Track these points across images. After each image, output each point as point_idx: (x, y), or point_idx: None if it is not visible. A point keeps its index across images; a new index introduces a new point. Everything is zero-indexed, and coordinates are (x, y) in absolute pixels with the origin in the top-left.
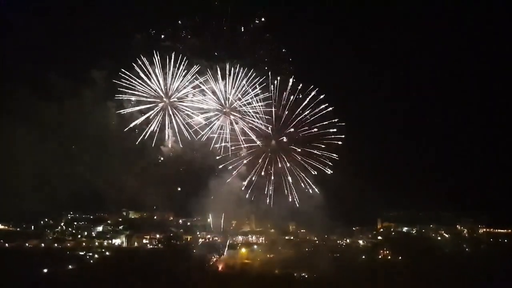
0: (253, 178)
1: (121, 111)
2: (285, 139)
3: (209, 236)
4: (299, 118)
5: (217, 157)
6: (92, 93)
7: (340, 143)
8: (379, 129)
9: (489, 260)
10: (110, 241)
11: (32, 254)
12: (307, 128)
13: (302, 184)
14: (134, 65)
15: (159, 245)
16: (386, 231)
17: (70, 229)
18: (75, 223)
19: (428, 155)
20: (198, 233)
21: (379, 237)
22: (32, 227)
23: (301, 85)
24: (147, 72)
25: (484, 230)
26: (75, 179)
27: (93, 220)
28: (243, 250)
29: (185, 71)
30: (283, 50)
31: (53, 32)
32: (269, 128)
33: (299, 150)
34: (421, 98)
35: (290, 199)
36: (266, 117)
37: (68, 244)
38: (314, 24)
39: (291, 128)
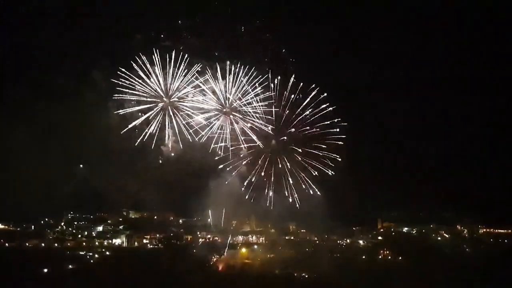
0: (253, 179)
1: (121, 111)
2: (285, 139)
3: (209, 236)
4: (299, 118)
5: (217, 157)
6: (93, 93)
7: (341, 143)
8: (379, 129)
9: (489, 260)
10: (110, 241)
11: (32, 254)
12: (308, 128)
13: (302, 184)
14: (134, 65)
15: (160, 245)
16: (386, 231)
17: (70, 229)
18: (75, 223)
19: (428, 155)
20: (198, 233)
21: (379, 237)
22: (32, 226)
23: (301, 84)
24: (147, 72)
25: (485, 230)
26: (75, 179)
27: (93, 220)
28: (244, 250)
29: (185, 71)
30: (283, 50)
31: (53, 32)
32: (269, 128)
33: (300, 150)
34: (421, 98)
35: (290, 200)
36: (267, 117)
37: (68, 244)
38: (314, 23)
39: (291, 128)
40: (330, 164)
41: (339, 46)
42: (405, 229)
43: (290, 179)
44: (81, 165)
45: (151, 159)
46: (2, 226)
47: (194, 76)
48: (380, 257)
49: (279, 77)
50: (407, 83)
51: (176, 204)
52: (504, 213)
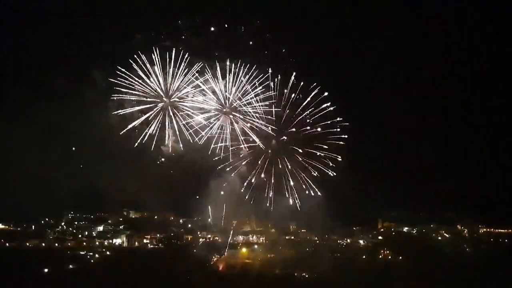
0: (253, 180)
1: (121, 111)
2: (285, 139)
3: (209, 236)
4: (300, 118)
5: (218, 157)
6: (93, 92)
7: (342, 143)
8: (379, 128)
9: (489, 260)
10: (110, 241)
11: (33, 254)
12: (308, 128)
13: (303, 185)
14: (134, 65)
15: (160, 244)
16: (386, 231)
17: (70, 228)
18: (76, 222)
19: (429, 155)
20: (198, 233)
21: (380, 237)
22: (33, 226)
23: (302, 83)
24: (147, 72)
25: (485, 230)
26: (76, 179)
27: (94, 220)
28: (244, 249)
29: (185, 70)
30: (283, 50)
31: (53, 32)
32: (269, 128)
33: (300, 150)
34: (421, 98)
35: (291, 201)
36: (267, 117)
37: (69, 244)
38: (314, 23)
39: (292, 128)
40: (331, 164)
41: (339, 46)
42: (405, 229)
43: (290, 179)
44: (81, 165)
45: (151, 159)
46: (3, 226)
47: (194, 76)
48: (380, 257)
49: (279, 76)
50: (407, 83)
51: (177, 204)
52: (504, 213)
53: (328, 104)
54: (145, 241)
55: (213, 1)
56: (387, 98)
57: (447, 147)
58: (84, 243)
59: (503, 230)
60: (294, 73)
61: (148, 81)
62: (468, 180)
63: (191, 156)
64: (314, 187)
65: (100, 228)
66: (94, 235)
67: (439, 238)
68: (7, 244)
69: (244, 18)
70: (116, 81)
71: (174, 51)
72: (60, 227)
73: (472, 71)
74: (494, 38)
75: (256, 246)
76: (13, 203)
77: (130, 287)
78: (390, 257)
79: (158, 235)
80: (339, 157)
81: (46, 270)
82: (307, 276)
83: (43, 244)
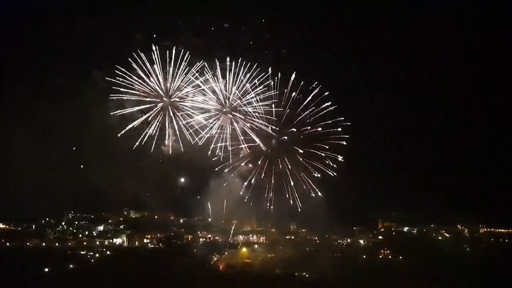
0: (253, 180)
1: (122, 111)
2: (285, 139)
3: (209, 235)
4: (300, 118)
5: (218, 157)
6: (93, 92)
7: (344, 143)
8: (379, 128)
9: (489, 260)
10: (111, 241)
11: (33, 254)
12: (308, 127)
13: (303, 185)
14: (134, 64)
15: (160, 244)
16: (386, 231)
17: (71, 228)
18: (76, 222)
19: (429, 155)
20: (199, 232)
21: (380, 237)
22: (33, 226)
23: (302, 82)
24: (147, 72)
25: (485, 230)
26: (76, 179)
27: (94, 220)
28: (244, 249)
29: (186, 70)
30: (283, 50)
31: (52, 31)
32: (269, 128)
33: (301, 150)
34: (421, 98)
35: (291, 203)
36: (267, 116)
37: (69, 244)
38: (315, 23)
39: (292, 127)
40: (332, 164)
41: (339, 45)
42: (405, 229)
43: (291, 179)
44: (81, 165)
45: (151, 158)
46: (3, 226)
47: (194, 76)
48: (380, 256)
49: (279, 75)
50: (407, 83)
51: (177, 203)
52: (504, 213)
53: (329, 103)
54: (145, 240)
55: (213, 1)
56: (387, 98)
57: (447, 147)
58: (85, 243)
59: (503, 230)
60: (294, 72)
61: (148, 80)
62: (468, 180)
63: (191, 156)
64: (314, 187)
65: (101, 228)
66: (95, 234)
67: (440, 238)
68: (8, 243)
69: (244, 18)
70: (116, 81)
71: (174, 51)
72: (60, 226)
73: (472, 71)
74: (494, 38)
75: (256, 246)
76: (13, 203)
77: (130, 286)
78: (390, 257)
79: (158, 235)
80: (339, 157)
81: (46, 269)
82: (307, 275)
83: (44, 244)
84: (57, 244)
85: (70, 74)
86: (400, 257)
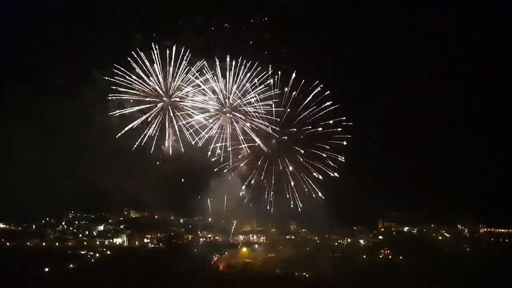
0: (253, 181)
1: (122, 110)
2: (286, 139)
3: (210, 235)
4: (300, 117)
5: (218, 157)
6: (94, 92)
7: (345, 143)
8: (379, 128)
9: (490, 260)
10: (111, 240)
11: (33, 253)
12: (310, 127)
13: (304, 185)
14: (134, 64)
15: (160, 244)
16: (387, 231)
17: (71, 228)
18: (76, 222)
19: (429, 155)
20: (199, 232)
21: (380, 237)
22: (33, 226)
23: (303, 81)
24: (147, 71)
25: (485, 229)
26: (76, 179)
27: (94, 219)
28: (244, 249)
29: (186, 70)
30: (283, 50)
31: (52, 31)
32: (269, 128)
33: (302, 150)
34: (421, 98)
35: (292, 204)
36: (268, 116)
37: (69, 243)
38: (315, 23)
39: (293, 127)
40: (332, 164)
41: (339, 45)
42: (405, 229)
43: (291, 179)
44: (81, 165)
45: (151, 158)
46: (3, 226)
47: (194, 76)
48: (380, 256)
49: (279, 74)
50: (407, 83)
51: (177, 203)
52: (504, 213)
53: (330, 103)
54: (145, 240)
55: (213, 1)
56: (387, 98)
57: (447, 147)
58: (85, 243)
59: (503, 230)
60: (295, 71)
61: (148, 80)
62: (468, 180)
63: (191, 156)
64: (314, 187)
65: (101, 228)
66: (95, 234)
67: (440, 238)
68: (8, 243)
69: (244, 18)
70: (116, 81)
71: (174, 51)
72: (60, 226)
73: (472, 71)
74: (494, 38)
75: (256, 246)
76: (13, 202)
77: (130, 286)
78: (390, 257)
79: (158, 235)
80: (340, 157)
81: (46, 269)
82: (307, 275)
83: (44, 244)
84: (57, 244)
85: (70, 74)
86: (400, 257)
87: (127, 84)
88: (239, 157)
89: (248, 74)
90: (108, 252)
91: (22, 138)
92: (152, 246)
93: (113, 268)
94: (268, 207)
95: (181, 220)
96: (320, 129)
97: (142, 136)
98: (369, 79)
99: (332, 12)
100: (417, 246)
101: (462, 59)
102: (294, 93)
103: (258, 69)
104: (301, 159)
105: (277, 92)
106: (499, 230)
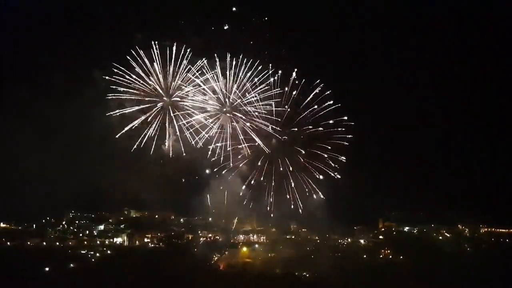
0: (253, 180)
1: (122, 110)
2: (286, 139)
3: (210, 235)
4: (301, 117)
5: (218, 157)
6: (94, 92)
7: (346, 143)
8: (379, 128)
9: (490, 260)
10: (111, 240)
11: (34, 253)
12: (311, 127)
13: (304, 185)
14: (135, 64)
15: (161, 244)
16: (387, 231)
17: (71, 227)
18: (77, 221)
19: (429, 155)
20: (199, 232)
21: (381, 237)
22: (34, 225)
23: (304, 80)
24: (147, 71)
25: (486, 230)
26: (77, 178)
27: (95, 219)
28: (244, 249)
29: (186, 69)
30: (283, 50)
31: (52, 31)
32: (270, 128)
33: (302, 150)
34: (422, 97)
35: (292, 204)
36: (268, 116)
37: (70, 243)
38: (316, 22)
39: (293, 127)
40: (333, 165)
41: (339, 45)
42: (406, 229)
43: (291, 179)
44: (82, 165)
45: (151, 158)
46: (4, 225)
47: (195, 75)
48: (381, 256)
49: (279, 73)
50: (407, 83)
51: (177, 203)
52: (505, 213)
53: (330, 102)
54: (145, 240)
55: (213, 1)
56: (387, 98)
57: (447, 147)
58: (85, 242)
59: (504, 230)
60: (295, 71)
61: (148, 80)
62: (468, 180)
63: (191, 155)
64: (315, 187)
65: (101, 227)
66: (95, 234)
67: (440, 237)
68: (8, 243)
69: (244, 18)
70: (116, 80)
71: (174, 50)
72: (61, 226)
73: (472, 71)
74: (494, 38)
75: (256, 246)
76: (14, 202)
77: (130, 286)
78: (391, 256)
79: (158, 234)
80: (340, 157)
81: (47, 269)
82: (307, 275)
83: (44, 243)
84: (57, 243)
85: (70, 74)
86: (401, 257)
87: (127, 84)
88: (239, 157)
89: (249, 74)
90: (109, 252)
91: (22, 138)
92: (152, 245)
93: (113, 268)
94: (268, 207)
95: (181, 220)
96: (321, 129)
97: (142, 136)
98: (369, 79)
99: (332, 12)
100: (418, 246)
101: (462, 59)
102: (294, 92)
103: (259, 68)
104: (302, 159)
105: (278, 91)
106: (500, 230)
